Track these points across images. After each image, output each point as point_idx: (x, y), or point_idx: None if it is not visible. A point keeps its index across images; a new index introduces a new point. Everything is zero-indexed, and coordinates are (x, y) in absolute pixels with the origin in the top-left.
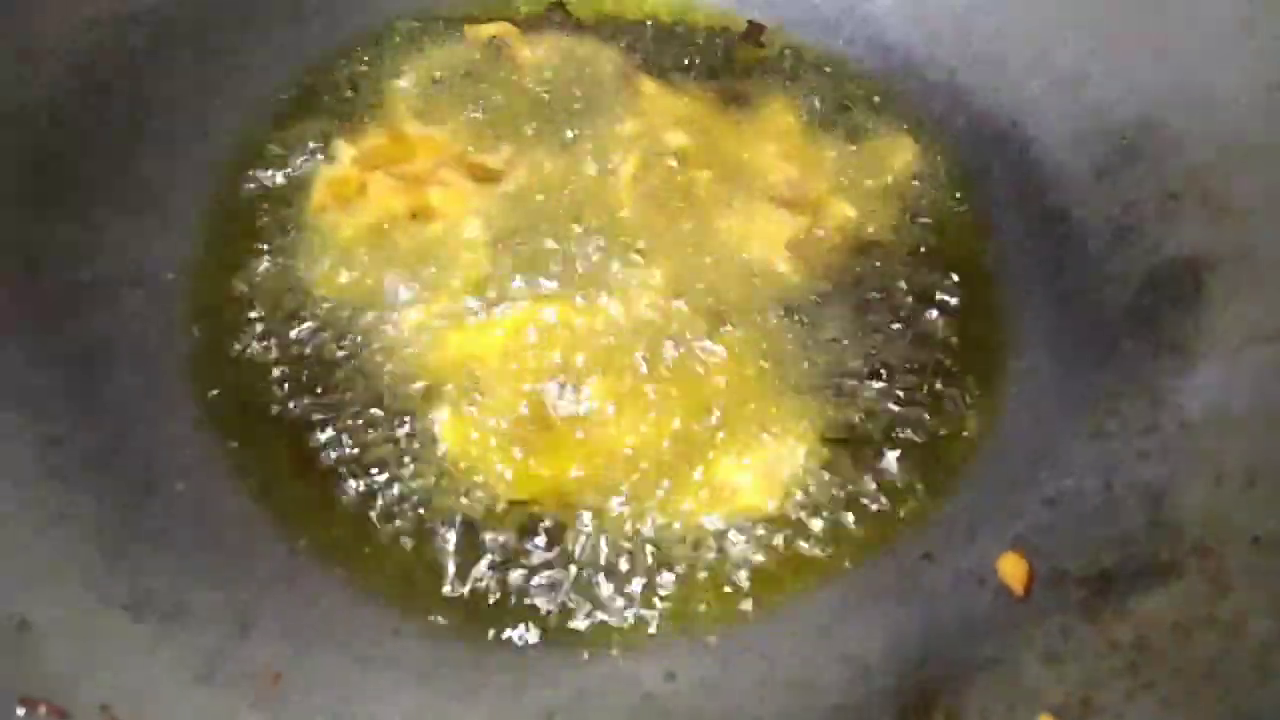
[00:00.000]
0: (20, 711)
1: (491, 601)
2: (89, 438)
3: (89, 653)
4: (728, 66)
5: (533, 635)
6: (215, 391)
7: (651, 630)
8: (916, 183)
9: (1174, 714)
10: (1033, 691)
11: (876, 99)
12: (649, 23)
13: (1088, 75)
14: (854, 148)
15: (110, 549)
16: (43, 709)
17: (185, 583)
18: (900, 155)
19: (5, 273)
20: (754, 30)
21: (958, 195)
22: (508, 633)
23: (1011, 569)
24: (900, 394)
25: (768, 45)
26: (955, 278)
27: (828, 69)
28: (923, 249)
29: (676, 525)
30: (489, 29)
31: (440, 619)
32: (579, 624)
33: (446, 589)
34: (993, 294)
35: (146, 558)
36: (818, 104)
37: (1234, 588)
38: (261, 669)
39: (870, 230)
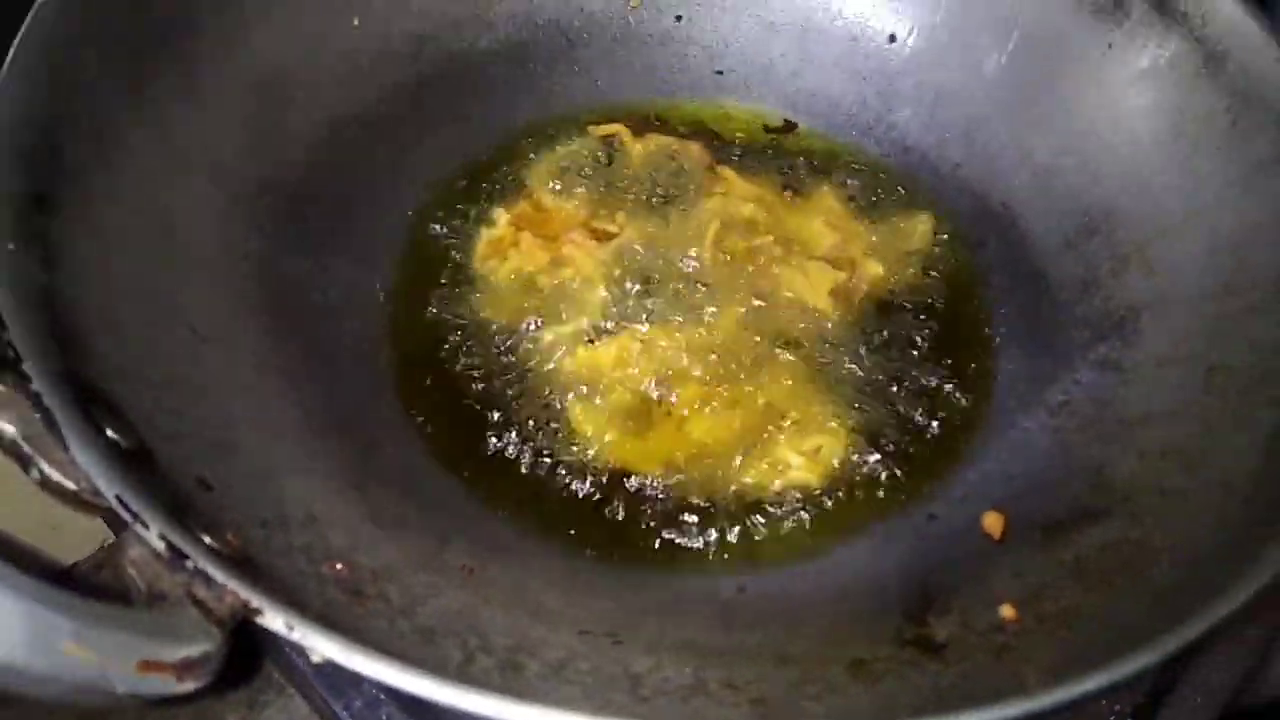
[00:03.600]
0: (324, 569)
1: (612, 530)
2: (328, 410)
3: (354, 540)
4: (786, 163)
5: (641, 555)
6: (411, 387)
7: (726, 557)
8: (930, 250)
9: (1096, 595)
10: (1000, 592)
11: (900, 186)
12: (724, 128)
13: (1059, 170)
14: (883, 222)
15: (352, 481)
16: (339, 565)
17: (404, 508)
18: (918, 228)
19: (272, 293)
20: (788, 126)
21: (961, 259)
22: (623, 552)
23: (992, 522)
24: (911, 402)
25: (816, 146)
26: (956, 320)
27: (862, 163)
28: (933, 298)
29: (745, 488)
30: (606, 129)
31: (576, 542)
32: (674, 550)
33: (580, 522)
34: (985, 332)
35: (376, 490)
36: (854, 190)
37: (1144, 521)
38: (460, 566)
39: (894, 283)
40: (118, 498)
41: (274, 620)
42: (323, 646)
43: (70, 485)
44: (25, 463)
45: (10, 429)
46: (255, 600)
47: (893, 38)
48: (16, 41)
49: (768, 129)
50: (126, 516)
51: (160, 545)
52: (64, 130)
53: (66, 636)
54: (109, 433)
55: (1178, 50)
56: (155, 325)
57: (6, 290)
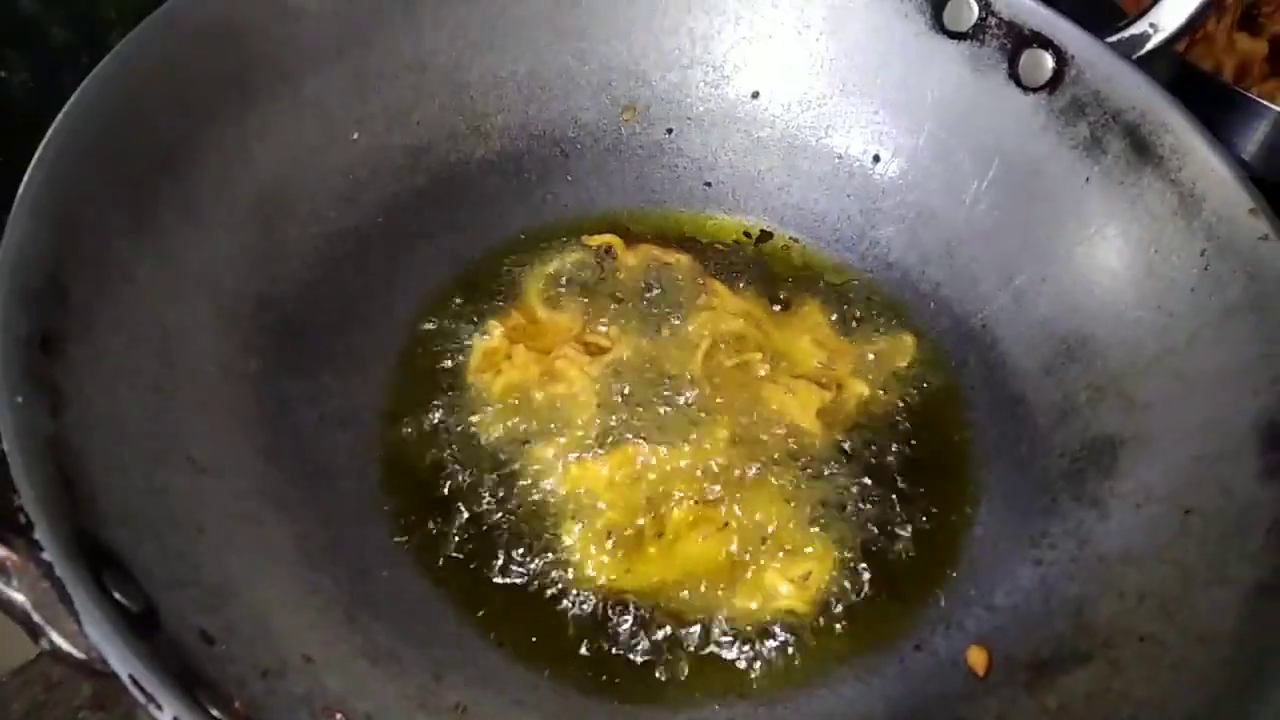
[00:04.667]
0: None
1: (603, 659)
2: (321, 535)
3: (349, 682)
4: (773, 276)
5: (633, 686)
6: (403, 505)
7: (714, 690)
8: (913, 369)
9: None
10: None
11: (883, 303)
12: (713, 238)
13: (1038, 295)
14: (867, 340)
15: (346, 614)
16: (338, 715)
17: (396, 641)
18: (901, 347)
19: (267, 414)
20: (765, 236)
21: (944, 380)
22: (615, 683)
23: (976, 657)
24: (896, 527)
25: (801, 259)
26: (938, 443)
27: (846, 278)
28: (915, 420)
29: (735, 617)
30: (599, 239)
31: (567, 671)
32: (659, 683)
33: (570, 650)
34: (966, 455)
35: (370, 622)
36: (839, 305)
37: (1125, 669)
38: (453, 704)
39: (878, 403)
40: (131, 678)
41: None
42: None
43: (80, 655)
44: (36, 633)
45: (21, 598)
46: None
47: (877, 158)
48: (24, 182)
49: (753, 238)
50: (141, 698)
51: None
52: (69, 267)
53: None
54: (118, 597)
55: (1153, 190)
56: (156, 461)
57: (17, 451)
